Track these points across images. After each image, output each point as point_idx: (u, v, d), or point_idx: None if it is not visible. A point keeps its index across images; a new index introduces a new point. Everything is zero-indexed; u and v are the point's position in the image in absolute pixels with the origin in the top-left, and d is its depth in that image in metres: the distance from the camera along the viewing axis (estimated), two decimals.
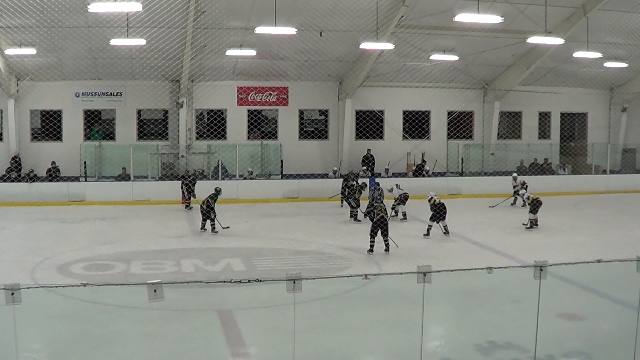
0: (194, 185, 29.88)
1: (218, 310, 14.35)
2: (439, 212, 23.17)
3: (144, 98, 33.87)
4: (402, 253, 20.50)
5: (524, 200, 27.50)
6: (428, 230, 23.28)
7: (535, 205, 24.96)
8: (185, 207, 29.86)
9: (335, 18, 29.27)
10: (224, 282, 8.99)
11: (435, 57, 33.29)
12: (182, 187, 30.26)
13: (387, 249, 20.17)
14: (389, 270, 16.07)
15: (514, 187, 30.95)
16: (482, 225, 26.00)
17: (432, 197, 23.35)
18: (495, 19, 25.97)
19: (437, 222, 23.27)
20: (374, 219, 20.14)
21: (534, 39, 29.23)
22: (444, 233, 23.31)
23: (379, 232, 20.11)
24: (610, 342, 12.90)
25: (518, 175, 32.77)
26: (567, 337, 13.17)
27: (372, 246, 20.17)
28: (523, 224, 25.22)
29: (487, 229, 25.17)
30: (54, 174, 32.03)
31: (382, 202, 22.00)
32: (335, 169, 34.75)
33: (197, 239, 23.27)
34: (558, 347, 12.36)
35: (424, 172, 36.00)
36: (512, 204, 31.05)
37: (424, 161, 37.25)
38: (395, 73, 35.71)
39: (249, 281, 8.35)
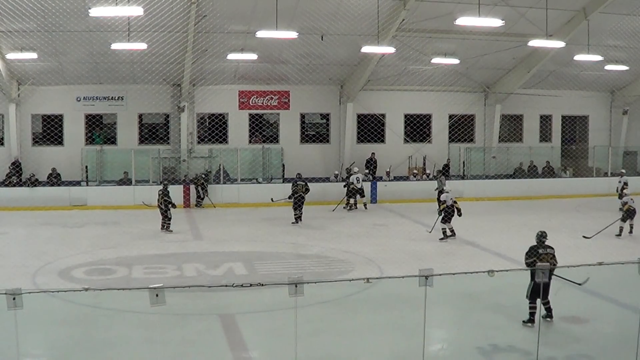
0: (207, 184, 31.07)
1: (220, 315, 14.33)
2: (448, 214, 23.14)
3: (146, 102, 33.85)
4: (404, 257, 20.53)
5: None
6: (444, 233, 23.30)
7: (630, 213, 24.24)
8: (197, 205, 31.06)
9: (336, 22, 29.30)
10: (226, 286, 9.01)
11: (436, 60, 33.31)
12: (197, 189, 31.27)
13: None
14: (390, 274, 16.07)
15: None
16: (483, 228, 25.99)
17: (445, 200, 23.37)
18: (496, 22, 25.99)
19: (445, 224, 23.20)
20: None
21: (534, 42, 29.20)
22: (450, 235, 23.26)
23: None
24: (613, 345, 12.89)
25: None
26: (569, 339, 13.16)
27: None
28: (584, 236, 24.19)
29: (488, 231, 25.16)
30: (54, 180, 32.00)
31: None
32: (337, 172, 34.75)
33: (198, 243, 23.30)
34: (560, 349, 12.36)
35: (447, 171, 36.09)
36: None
37: (448, 160, 37.40)
38: (397, 77, 35.71)
39: (251, 285, 8.35)
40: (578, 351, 12.72)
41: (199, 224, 26.91)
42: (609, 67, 35.79)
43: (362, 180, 31.27)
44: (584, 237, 23.87)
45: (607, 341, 13.25)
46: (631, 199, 24.45)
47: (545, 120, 41.44)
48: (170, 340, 12.83)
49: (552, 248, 13.96)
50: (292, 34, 26.84)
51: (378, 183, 33.87)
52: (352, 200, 30.82)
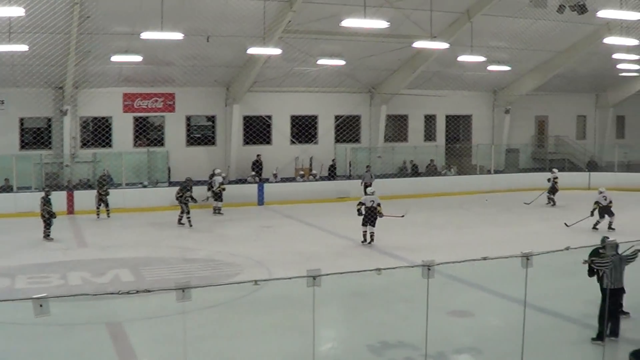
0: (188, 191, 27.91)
1: (107, 323, 14.03)
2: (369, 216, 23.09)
3: (27, 106, 32.79)
4: (292, 258, 20.57)
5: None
6: (364, 235, 23.11)
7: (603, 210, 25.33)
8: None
9: (222, 23, 29.07)
10: (112, 293, 8.82)
11: (322, 61, 33.44)
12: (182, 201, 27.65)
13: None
14: (279, 275, 16.06)
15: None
16: None
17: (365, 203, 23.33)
18: (381, 24, 26.20)
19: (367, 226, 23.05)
20: None
21: (419, 44, 29.61)
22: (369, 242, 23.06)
23: None
24: (499, 337, 13.20)
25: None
26: (457, 333, 13.41)
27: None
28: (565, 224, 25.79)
29: (376, 231, 25.43)
30: None
31: None
32: (224, 175, 34.32)
33: (83, 250, 22.75)
34: (449, 343, 12.57)
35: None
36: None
37: (334, 160, 37.78)
38: (283, 78, 35.74)
39: (137, 292, 8.20)
40: (466, 344, 12.96)
41: (83, 230, 26.33)
42: (491, 67, 36.64)
43: (222, 183, 30.64)
44: (565, 224, 25.06)
45: (494, 334, 13.56)
46: (603, 197, 25.34)
47: (430, 120, 42.21)
48: (56, 351, 12.52)
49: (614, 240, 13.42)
50: (178, 36, 26.48)
51: (265, 185, 33.75)
52: (220, 204, 30.34)
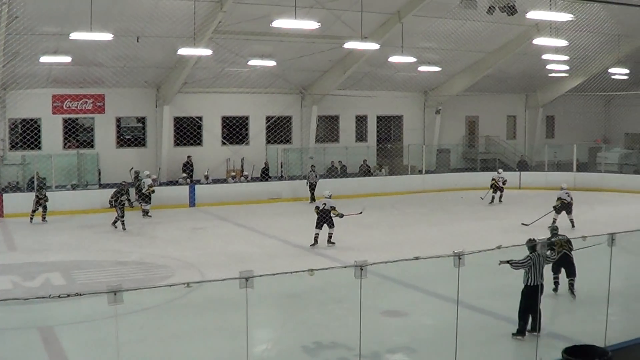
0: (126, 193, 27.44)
1: (39, 328, 13.82)
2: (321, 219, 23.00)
3: None
4: (225, 260, 20.50)
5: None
6: (315, 238, 22.95)
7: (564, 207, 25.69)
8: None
9: (152, 24, 28.76)
10: (43, 297, 8.67)
11: (253, 62, 33.32)
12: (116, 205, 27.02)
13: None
14: (211, 277, 15.96)
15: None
16: (302, 227, 26.25)
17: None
18: (312, 24, 26.20)
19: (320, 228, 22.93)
20: None
21: (350, 44, 29.72)
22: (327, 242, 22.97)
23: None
24: (433, 336, 13.32)
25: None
26: (391, 333, 13.50)
27: None
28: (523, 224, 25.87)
29: (306, 231, 25.43)
30: None
31: None
32: (155, 177, 33.84)
33: (13, 254, 22.33)
34: (383, 343, 12.64)
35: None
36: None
37: (266, 162, 37.57)
38: (214, 79, 35.56)
39: (69, 295, 8.10)
40: (400, 344, 13.05)
41: (13, 233, 25.88)
42: (422, 68, 36.93)
43: (152, 185, 30.38)
44: (523, 224, 25.18)
45: (428, 333, 13.67)
46: (566, 193, 25.74)
47: (361, 121, 42.40)
48: None
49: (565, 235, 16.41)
50: (107, 36, 26.12)
51: (196, 186, 33.54)
52: (148, 206, 30.09)
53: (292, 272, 9.16)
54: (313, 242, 22.68)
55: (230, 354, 12.05)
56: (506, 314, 13.74)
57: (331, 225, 22.75)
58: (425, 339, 13.26)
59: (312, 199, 33.33)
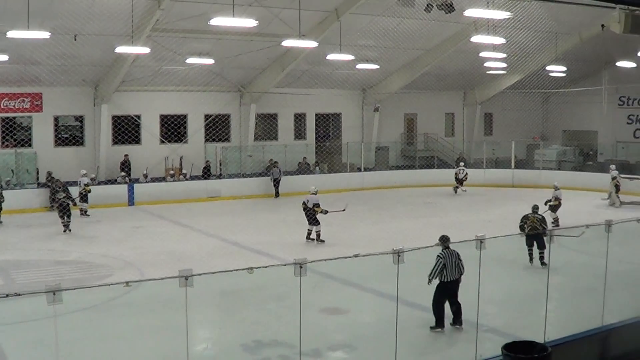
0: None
1: None
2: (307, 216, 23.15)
3: None
4: (164, 258, 20.39)
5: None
6: (309, 234, 23.21)
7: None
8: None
9: (90, 22, 28.40)
10: None
11: (191, 60, 33.09)
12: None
13: None
14: (151, 276, 15.86)
15: None
16: (241, 225, 26.22)
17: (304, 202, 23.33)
18: (250, 22, 26.07)
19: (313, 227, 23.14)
20: None
21: (288, 42, 29.68)
22: (316, 240, 23.14)
23: None
24: (373, 333, 13.38)
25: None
26: (331, 330, 13.55)
27: None
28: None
29: (245, 229, 25.39)
30: None
31: None
32: (93, 176, 33.48)
33: None
34: (323, 341, 12.68)
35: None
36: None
37: (207, 162, 37.50)
38: (152, 77, 35.27)
39: (7, 295, 7.98)
40: (340, 341, 13.10)
41: None
42: (360, 66, 37.08)
43: (88, 185, 30.04)
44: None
45: (368, 330, 13.73)
46: (559, 193, 25.67)
47: (300, 118, 42.41)
48: None
49: (541, 215, 19.39)
50: (44, 34, 25.72)
51: (135, 185, 33.25)
52: (86, 205, 29.71)
53: (231, 271, 9.15)
54: (307, 237, 23.23)
55: (170, 353, 11.96)
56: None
57: (316, 223, 23.07)
58: (365, 336, 13.31)
59: (277, 194, 34.67)
